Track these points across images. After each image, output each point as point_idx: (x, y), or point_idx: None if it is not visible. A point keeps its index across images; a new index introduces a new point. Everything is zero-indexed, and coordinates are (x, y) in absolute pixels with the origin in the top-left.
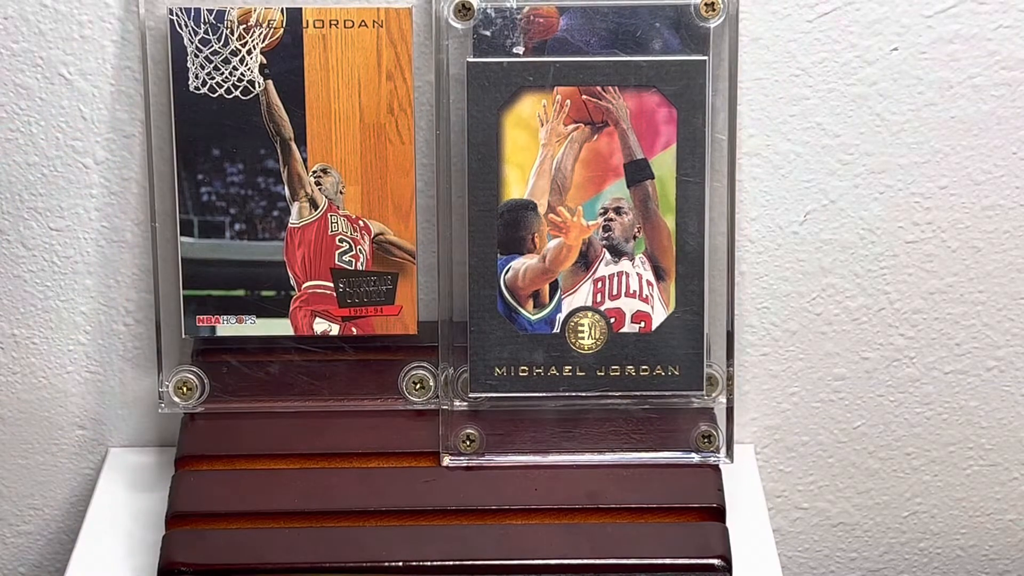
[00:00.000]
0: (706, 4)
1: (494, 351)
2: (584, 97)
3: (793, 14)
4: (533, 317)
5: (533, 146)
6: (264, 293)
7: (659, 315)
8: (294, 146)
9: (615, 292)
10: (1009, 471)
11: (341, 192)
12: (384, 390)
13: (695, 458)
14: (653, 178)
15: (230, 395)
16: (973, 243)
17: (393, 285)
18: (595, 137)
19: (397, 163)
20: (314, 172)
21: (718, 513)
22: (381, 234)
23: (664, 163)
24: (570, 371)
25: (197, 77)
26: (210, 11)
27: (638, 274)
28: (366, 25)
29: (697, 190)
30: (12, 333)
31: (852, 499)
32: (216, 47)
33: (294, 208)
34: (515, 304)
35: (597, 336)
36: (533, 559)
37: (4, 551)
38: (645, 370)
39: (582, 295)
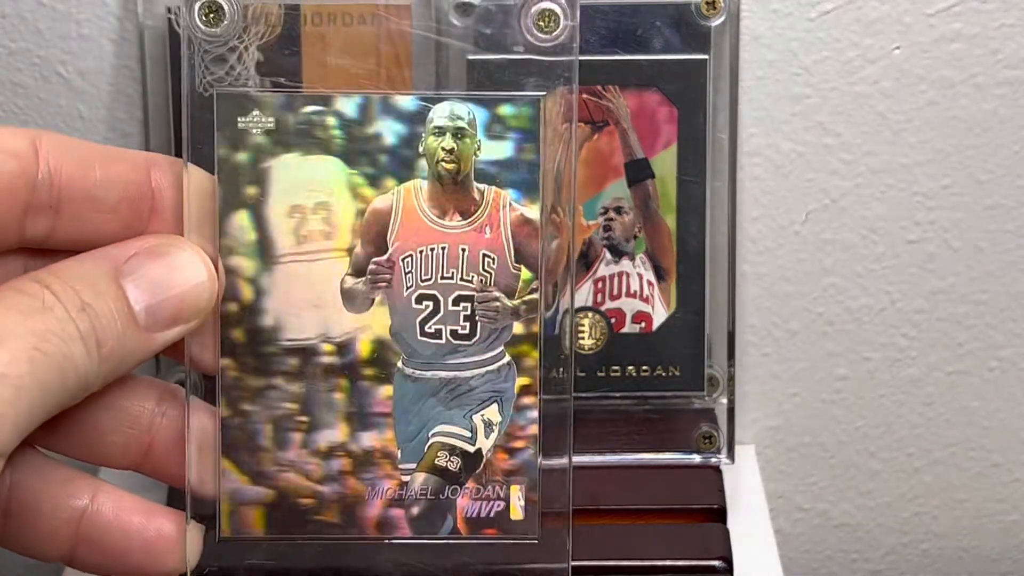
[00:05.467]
0: (707, 3)
1: None
2: (584, 96)
3: (795, 12)
4: None
5: None
6: None
7: (660, 315)
8: None
9: (616, 292)
10: (1011, 472)
11: None
12: None
13: (696, 459)
14: (654, 177)
15: None
16: (976, 243)
17: None
18: (595, 136)
19: None
20: None
21: (719, 514)
22: None
23: (665, 162)
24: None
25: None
26: None
27: (639, 274)
28: (365, 22)
29: (698, 190)
30: None
31: (854, 500)
32: None
33: None
34: None
35: (598, 336)
36: None
37: (3, 551)
38: (646, 370)
39: (582, 295)
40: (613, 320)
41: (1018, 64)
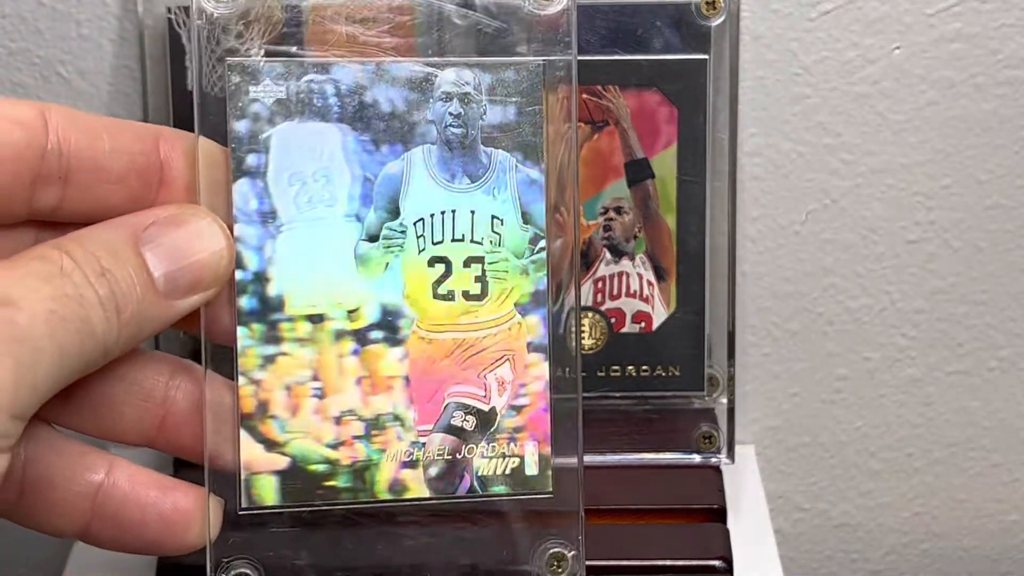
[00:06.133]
0: (707, 2)
1: None
2: (585, 96)
3: (795, 12)
4: None
5: None
6: None
7: (660, 315)
8: None
9: (616, 292)
10: (1011, 472)
11: None
12: None
13: (696, 459)
14: (654, 177)
15: None
16: (976, 243)
17: None
18: (595, 136)
19: None
20: None
21: (719, 514)
22: None
23: (665, 162)
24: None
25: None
26: None
27: (639, 274)
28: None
29: (698, 190)
30: None
31: (854, 500)
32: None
33: None
34: None
35: (598, 336)
36: None
37: (3, 550)
38: (646, 370)
39: (582, 295)
40: (613, 320)
41: (1018, 64)
